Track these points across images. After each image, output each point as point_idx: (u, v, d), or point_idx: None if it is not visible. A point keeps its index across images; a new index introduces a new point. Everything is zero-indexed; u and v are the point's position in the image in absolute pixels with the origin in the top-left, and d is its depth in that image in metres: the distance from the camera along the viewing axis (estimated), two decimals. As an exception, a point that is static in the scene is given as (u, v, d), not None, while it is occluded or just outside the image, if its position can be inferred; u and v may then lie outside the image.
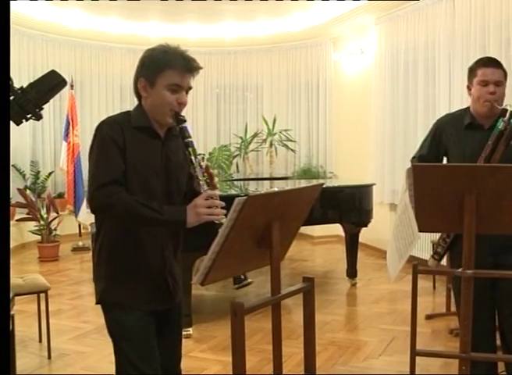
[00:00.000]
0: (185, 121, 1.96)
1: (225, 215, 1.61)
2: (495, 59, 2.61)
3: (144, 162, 1.91)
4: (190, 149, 1.94)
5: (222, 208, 1.88)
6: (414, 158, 2.81)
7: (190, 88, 1.95)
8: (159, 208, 1.83)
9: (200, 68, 1.95)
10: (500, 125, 2.36)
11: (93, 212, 1.89)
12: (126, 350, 1.92)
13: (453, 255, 2.66)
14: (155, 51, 1.93)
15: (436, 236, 4.96)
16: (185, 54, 1.93)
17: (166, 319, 2.03)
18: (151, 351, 1.94)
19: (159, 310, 1.99)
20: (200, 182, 1.91)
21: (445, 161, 2.76)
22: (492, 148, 2.37)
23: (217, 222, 1.83)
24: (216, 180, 1.99)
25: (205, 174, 1.93)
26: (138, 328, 1.92)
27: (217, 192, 1.92)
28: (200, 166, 1.93)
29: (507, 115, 2.36)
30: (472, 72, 2.65)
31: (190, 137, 1.96)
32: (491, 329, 2.59)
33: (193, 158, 1.93)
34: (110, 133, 1.87)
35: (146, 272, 1.94)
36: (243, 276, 2.09)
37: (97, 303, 2.00)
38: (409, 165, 1.91)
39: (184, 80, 1.92)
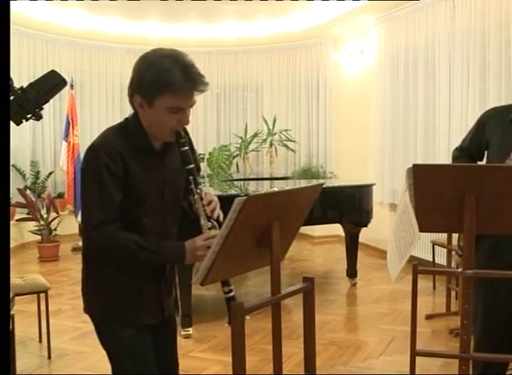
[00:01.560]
0: (186, 143, 1.79)
1: (226, 215, 1.59)
2: None
3: (144, 183, 1.78)
4: (191, 178, 1.81)
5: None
6: (455, 149, 2.74)
7: (194, 104, 1.77)
8: (156, 248, 1.74)
9: (206, 88, 1.74)
10: None
11: (90, 252, 1.80)
12: (126, 365, 1.86)
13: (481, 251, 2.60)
14: (155, 67, 1.70)
15: (436, 236, 5.00)
16: (189, 70, 1.70)
17: (161, 330, 1.96)
18: (150, 365, 1.88)
19: (154, 324, 1.91)
20: (201, 218, 1.80)
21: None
22: None
23: None
24: (217, 212, 1.85)
25: (205, 208, 1.81)
26: (136, 342, 1.85)
27: (215, 232, 1.76)
28: (201, 198, 1.81)
29: None
30: None
31: (191, 163, 1.81)
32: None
33: (193, 187, 1.81)
34: (107, 161, 1.69)
35: (140, 285, 1.85)
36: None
37: (88, 313, 1.90)
38: (409, 165, 1.91)
39: (187, 102, 1.73)
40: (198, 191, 1.82)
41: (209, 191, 1.94)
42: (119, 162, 1.71)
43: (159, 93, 1.70)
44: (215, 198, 1.87)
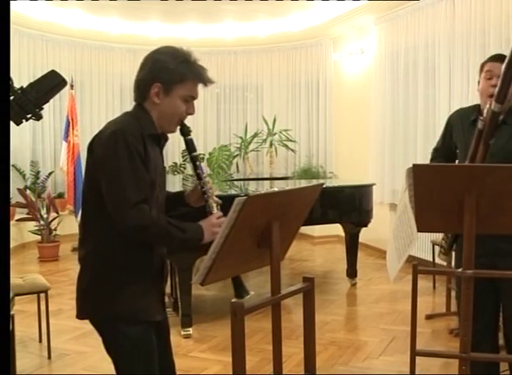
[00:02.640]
0: (191, 132, 1.95)
1: (225, 215, 1.61)
2: (505, 55, 2.56)
3: (154, 172, 1.85)
4: (198, 163, 1.94)
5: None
6: (433, 150, 2.84)
7: (197, 98, 1.94)
8: (182, 226, 1.81)
9: (214, 81, 1.93)
10: (480, 124, 2.32)
11: (127, 231, 1.76)
12: (133, 364, 1.85)
13: (457, 252, 2.63)
14: (175, 59, 1.84)
15: (436, 236, 5.00)
16: (201, 66, 1.90)
17: (159, 330, 1.97)
18: (155, 364, 1.89)
19: (157, 321, 1.93)
20: (209, 199, 1.93)
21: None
22: (473, 149, 2.34)
23: None
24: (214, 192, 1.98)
25: (211, 191, 1.94)
26: (144, 341, 1.85)
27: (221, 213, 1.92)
28: (208, 182, 1.95)
29: (485, 113, 2.30)
30: (482, 66, 2.59)
31: (195, 150, 1.96)
32: (493, 329, 2.58)
33: (200, 172, 1.94)
34: (135, 143, 1.75)
35: (147, 282, 1.88)
36: (246, 293, 2.08)
37: (89, 318, 1.91)
38: (409, 165, 1.91)
39: (197, 92, 1.91)
40: (204, 175, 1.95)
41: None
42: (141, 145, 1.78)
43: (180, 81, 1.84)
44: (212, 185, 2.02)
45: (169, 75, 1.83)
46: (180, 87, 1.85)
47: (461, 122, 2.63)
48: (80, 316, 1.92)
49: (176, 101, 1.86)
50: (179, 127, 1.93)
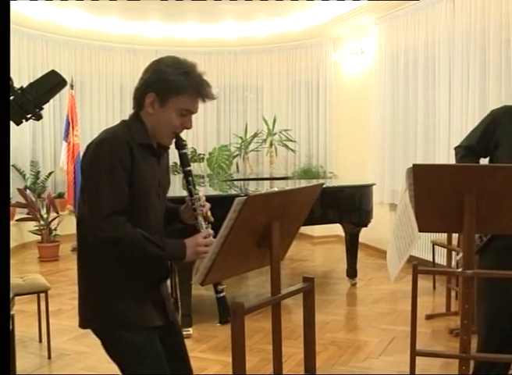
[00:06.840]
0: (186, 146, 1.88)
1: (225, 215, 1.60)
2: None
3: (146, 181, 1.80)
4: (190, 179, 1.88)
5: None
6: (459, 147, 2.60)
7: (195, 112, 1.86)
8: (161, 243, 1.75)
9: (215, 98, 1.84)
10: None
11: (96, 242, 1.75)
12: (139, 370, 1.82)
13: (486, 253, 2.52)
14: (175, 70, 1.78)
15: (436, 236, 5.00)
16: (203, 79, 1.80)
17: (167, 334, 1.95)
18: (163, 367, 1.86)
19: (160, 326, 1.89)
20: (199, 217, 1.86)
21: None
22: None
23: None
24: (209, 212, 1.91)
25: (202, 208, 1.87)
26: (148, 346, 1.83)
27: (212, 231, 1.83)
28: (199, 199, 1.88)
29: None
30: None
31: (189, 165, 1.90)
32: None
33: (192, 188, 1.88)
34: (119, 152, 1.71)
35: (146, 288, 1.86)
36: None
37: (90, 327, 1.90)
38: (409, 165, 1.91)
39: (196, 107, 1.83)
40: (196, 191, 1.88)
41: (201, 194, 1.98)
42: (128, 155, 1.73)
43: (177, 93, 1.77)
44: (207, 203, 1.93)
45: (167, 86, 1.76)
46: (176, 99, 1.77)
47: (510, 119, 2.45)
48: (84, 325, 1.92)
49: (170, 114, 1.79)
50: (174, 140, 1.87)
